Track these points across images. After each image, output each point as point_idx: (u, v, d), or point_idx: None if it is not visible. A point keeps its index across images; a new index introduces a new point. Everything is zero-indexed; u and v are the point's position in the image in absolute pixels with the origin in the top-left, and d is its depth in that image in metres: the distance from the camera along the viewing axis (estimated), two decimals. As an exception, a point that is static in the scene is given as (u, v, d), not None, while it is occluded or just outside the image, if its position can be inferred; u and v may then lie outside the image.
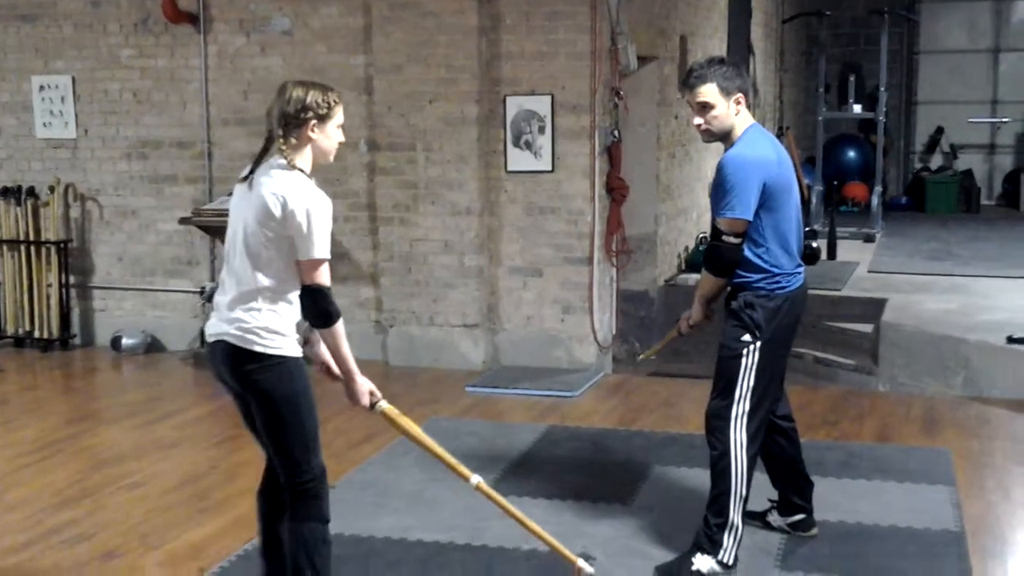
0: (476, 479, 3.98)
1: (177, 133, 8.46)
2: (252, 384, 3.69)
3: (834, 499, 5.17)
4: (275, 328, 3.65)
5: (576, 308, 7.77)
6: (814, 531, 4.77)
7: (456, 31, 7.62)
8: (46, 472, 5.78)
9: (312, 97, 3.65)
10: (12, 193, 8.67)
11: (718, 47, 11.57)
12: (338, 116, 3.73)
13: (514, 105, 7.68)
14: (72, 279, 8.75)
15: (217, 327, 3.72)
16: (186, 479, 5.63)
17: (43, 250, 8.64)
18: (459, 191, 7.75)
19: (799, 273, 4.45)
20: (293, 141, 3.67)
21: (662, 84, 9.29)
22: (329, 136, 3.72)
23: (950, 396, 7.20)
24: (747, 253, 4.31)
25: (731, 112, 4.32)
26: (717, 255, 4.37)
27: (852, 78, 14.48)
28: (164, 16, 8.23)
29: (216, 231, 8.08)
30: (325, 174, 7.75)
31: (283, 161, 3.65)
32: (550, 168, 7.68)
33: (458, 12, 7.60)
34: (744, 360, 4.33)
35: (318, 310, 3.64)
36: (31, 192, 8.67)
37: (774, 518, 4.82)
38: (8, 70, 8.77)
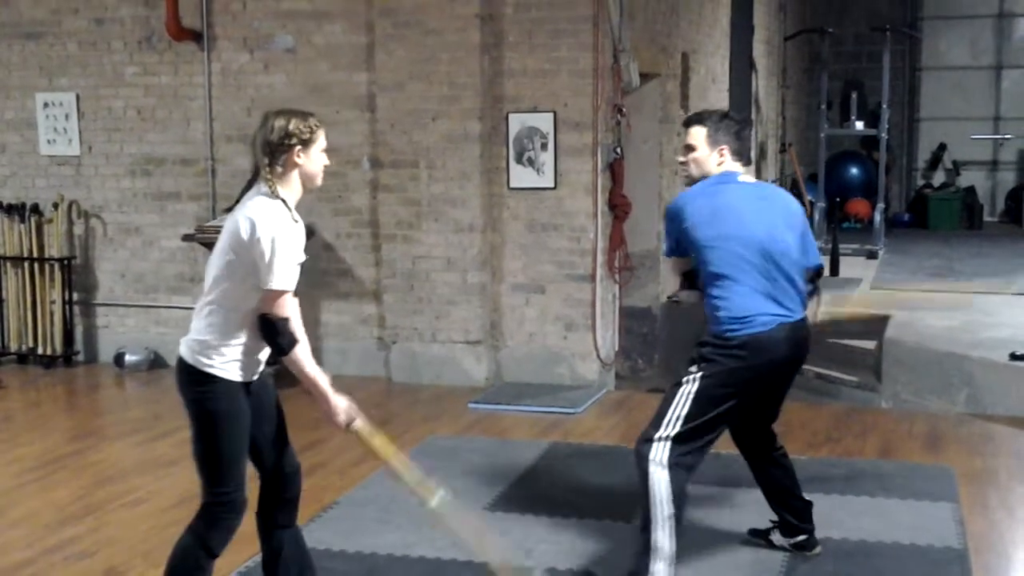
0: (436, 500, 3.97)
1: (180, 150, 8.49)
2: (182, 394, 3.82)
3: (837, 516, 5.17)
4: (213, 345, 3.69)
5: (579, 325, 7.77)
6: (818, 550, 4.75)
7: (459, 49, 7.64)
8: (49, 489, 5.78)
9: (294, 124, 3.70)
10: (16, 210, 8.69)
11: (720, 64, 11.60)
12: (321, 140, 3.78)
13: (517, 122, 7.70)
14: (75, 296, 8.77)
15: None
16: (187, 496, 5.59)
17: (46, 267, 8.65)
18: (462, 208, 7.77)
19: (772, 315, 4.25)
20: (279, 169, 3.71)
21: (665, 101, 9.31)
22: (314, 160, 3.77)
23: (953, 413, 7.19)
24: (707, 292, 4.36)
25: (712, 160, 4.44)
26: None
27: (854, 95, 14.51)
28: (168, 34, 8.26)
29: (219, 248, 8.09)
30: (328, 191, 7.81)
31: (267, 189, 3.69)
32: (552, 185, 7.70)
33: (461, 30, 7.63)
34: (682, 388, 4.27)
35: (270, 341, 3.70)
36: (35, 209, 8.69)
37: (777, 538, 4.79)
38: (12, 87, 8.81)
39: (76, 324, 8.80)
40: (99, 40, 8.56)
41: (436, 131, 7.76)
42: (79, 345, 8.81)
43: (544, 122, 7.64)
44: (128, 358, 8.49)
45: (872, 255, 12.61)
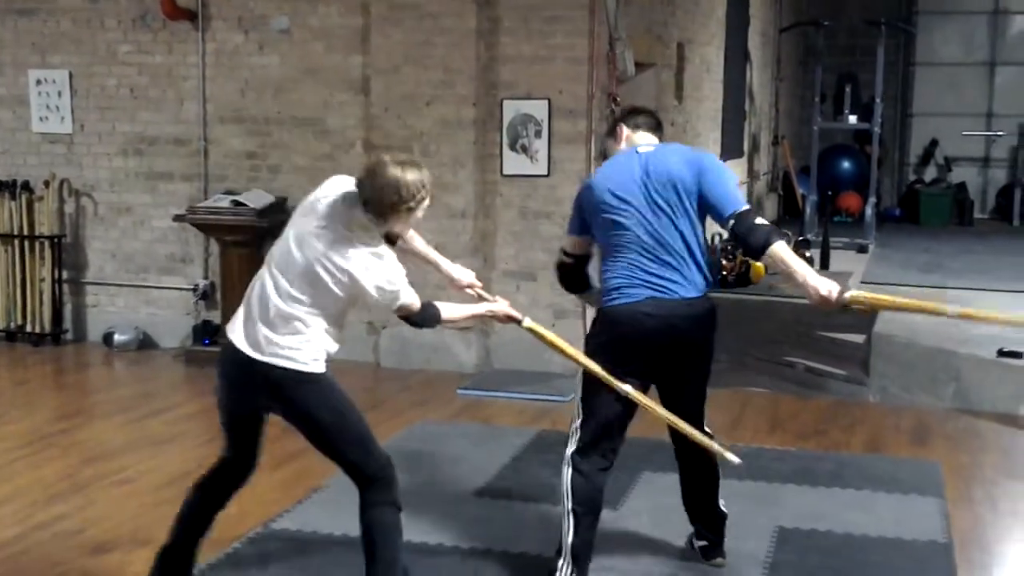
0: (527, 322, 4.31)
1: (173, 130, 8.46)
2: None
3: (823, 509, 5.19)
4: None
5: (569, 313, 7.77)
6: (718, 561, 4.57)
7: (454, 33, 7.63)
8: (37, 466, 5.78)
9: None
10: (7, 187, 8.66)
11: (715, 55, 11.60)
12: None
13: (511, 109, 7.69)
14: (65, 274, 8.74)
15: None
16: (176, 476, 5.61)
17: (36, 245, 8.63)
18: (454, 194, 7.76)
19: (643, 286, 4.13)
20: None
21: (659, 91, 9.31)
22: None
23: (940, 408, 7.21)
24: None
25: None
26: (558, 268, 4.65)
27: (848, 88, 14.52)
28: (162, 12, 8.23)
29: (210, 229, 8.08)
30: (320, 174, 7.75)
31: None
32: (546, 173, 7.70)
33: (457, 14, 7.61)
34: (579, 375, 4.28)
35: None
36: (26, 186, 8.66)
37: (695, 540, 4.68)
38: (5, 64, 8.77)
39: (65, 302, 8.77)
40: (93, 18, 8.52)
41: (430, 116, 7.74)
42: (68, 324, 8.79)
43: (538, 109, 7.64)
44: (117, 337, 8.48)
45: (862, 249, 12.64)
